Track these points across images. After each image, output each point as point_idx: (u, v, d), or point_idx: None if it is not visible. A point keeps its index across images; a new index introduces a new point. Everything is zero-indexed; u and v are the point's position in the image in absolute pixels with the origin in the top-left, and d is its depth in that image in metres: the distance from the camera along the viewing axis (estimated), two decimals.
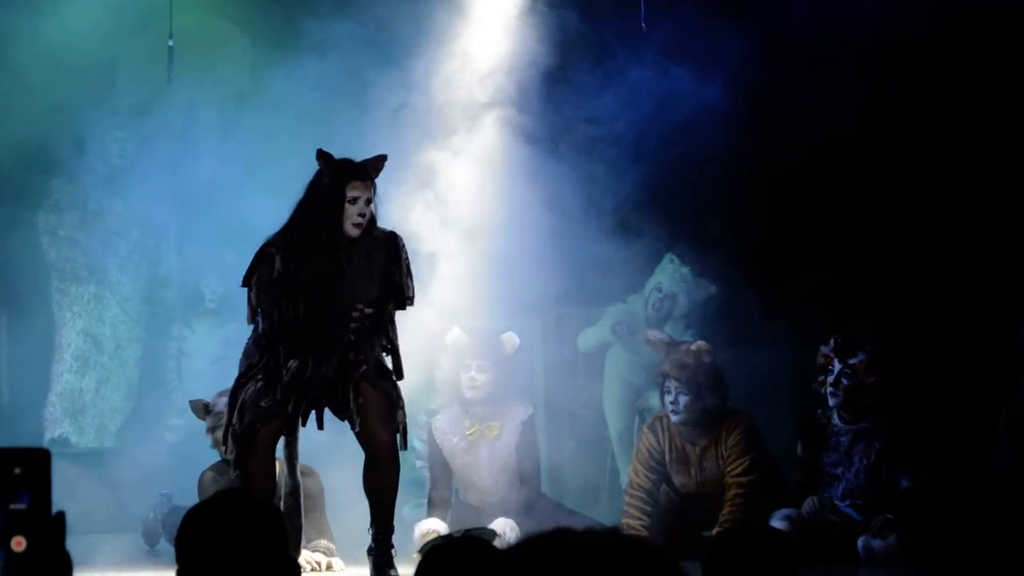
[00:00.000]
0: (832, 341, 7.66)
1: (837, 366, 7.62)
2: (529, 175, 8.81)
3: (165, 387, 10.20)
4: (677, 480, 7.90)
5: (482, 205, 8.88)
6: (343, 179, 6.37)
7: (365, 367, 6.38)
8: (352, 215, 6.37)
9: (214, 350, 10.17)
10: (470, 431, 7.97)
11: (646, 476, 7.89)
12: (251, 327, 6.56)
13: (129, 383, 10.16)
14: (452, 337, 8.07)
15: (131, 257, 10.20)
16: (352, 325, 6.38)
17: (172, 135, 10.37)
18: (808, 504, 7.56)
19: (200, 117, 10.37)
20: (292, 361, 6.34)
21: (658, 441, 7.90)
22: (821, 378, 7.69)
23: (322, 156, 6.44)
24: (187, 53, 9.22)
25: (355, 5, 9.07)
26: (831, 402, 7.64)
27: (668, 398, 7.82)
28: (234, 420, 6.42)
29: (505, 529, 7.62)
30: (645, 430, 8.05)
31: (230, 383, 8.15)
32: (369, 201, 6.41)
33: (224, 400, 7.53)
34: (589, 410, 9.81)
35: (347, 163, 6.44)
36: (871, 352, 7.61)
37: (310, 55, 9.20)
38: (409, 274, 6.53)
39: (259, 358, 6.42)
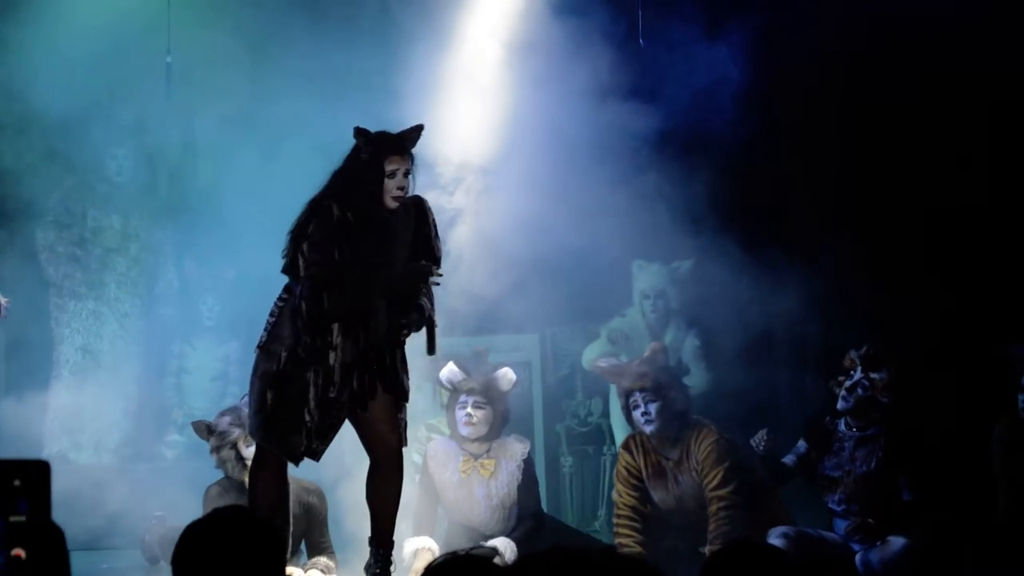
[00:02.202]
0: (864, 348, 7.66)
1: (859, 374, 7.62)
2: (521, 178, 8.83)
3: (164, 404, 10.20)
4: (656, 496, 7.90)
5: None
6: (381, 154, 6.32)
7: (407, 331, 6.32)
8: (391, 188, 6.31)
9: (214, 367, 10.17)
10: (463, 467, 7.89)
11: (629, 495, 7.88)
12: (264, 332, 6.39)
13: (128, 399, 10.16)
14: (447, 373, 7.99)
15: (129, 274, 10.21)
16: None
17: (170, 151, 10.39)
18: (758, 436, 7.53)
19: (198, 133, 10.38)
20: (339, 337, 6.26)
21: (634, 459, 7.90)
22: (840, 378, 7.69)
23: (359, 132, 6.37)
24: (185, 69, 9.23)
25: (354, 20, 9.09)
26: (840, 405, 7.65)
27: (638, 412, 7.81)
28: (312, 415, 6.17)
29: (505, 549, 7.60)
30: (621, 450, 8.03)
31: (230, 401, 8.15)
32: (407, 173, 6.35)
33: (227, 419, 7.52)
34: (587, 427, 9.81)
35: (384, 137, 6.38)
36: (894, 374, 7.62)
37: (308, 71, 9.22)
38: (437, 236, 6.49)
39: (301, 340, 6.21)
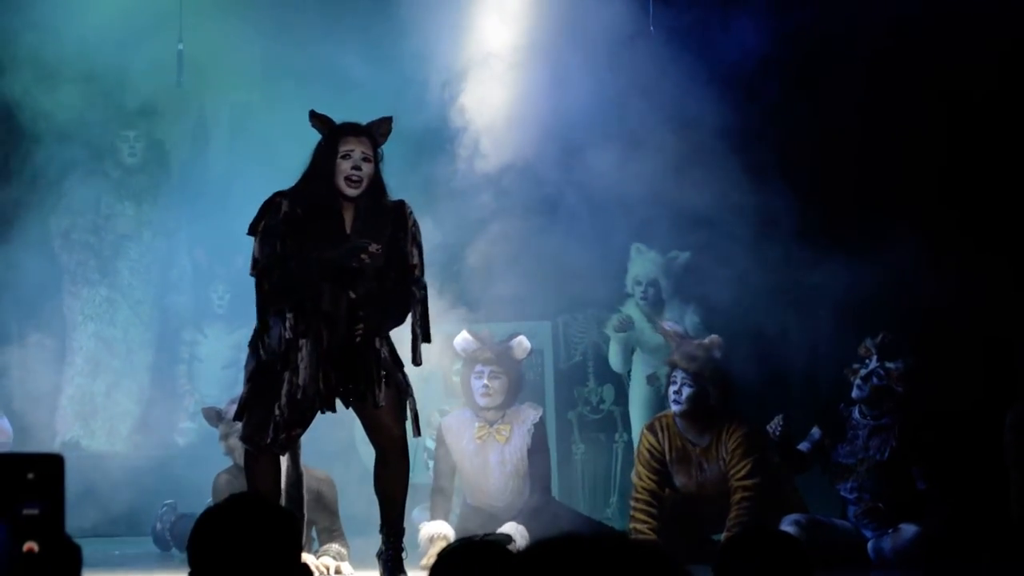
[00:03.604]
0: (880, 337, 7.65)
1: (874, 363, 7.61)
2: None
3: (176, 391, 10.21)
4: (678, 481, 7.87)
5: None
6: (335, 135, 6.30)
7: (363, 326, 6.22)
8: (345, 169, 6.23)
9: (225, 355, 10.18)
10: (479, 434, 7.97)
11: (648, 478, 7.86)
12: (254, 330, 6.41)
13: (140, 386, 10.18)
14: (461, 341, 8.05)
15: (142, 260, 10.22)
16: (361, 291, 6.21)
17: (183, 138, 10.40)
18: (775, 422, 7.51)
19: (210, 119, 10.39)
20: (303, 340, 6.23)
21: (658, 441, 7.88)
22: (856, 366, 7.67)
23: (313, 116, 6.37)
24: (197, 55, 9.23)
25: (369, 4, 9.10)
26: (854, 393, 7.64)
27: (672, 387, 7.79)
28: (282, 411, 6.21)
29: (516, 534, 7.61)
30: (644, 431, 8.00)
31: (240, 389, 8.15)
32: (367, 159, 6.26)
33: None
34: (599, 414, 9.81)
35: (342, 122, 6.37)
36: (910, 364, 7.60)
37: (322, 56, 9.21)
38: (415, 243, 6.34)
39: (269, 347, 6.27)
